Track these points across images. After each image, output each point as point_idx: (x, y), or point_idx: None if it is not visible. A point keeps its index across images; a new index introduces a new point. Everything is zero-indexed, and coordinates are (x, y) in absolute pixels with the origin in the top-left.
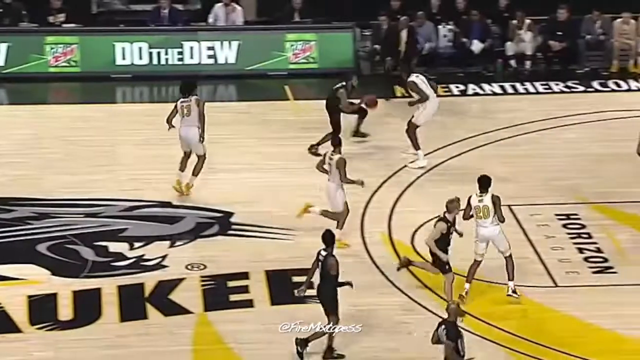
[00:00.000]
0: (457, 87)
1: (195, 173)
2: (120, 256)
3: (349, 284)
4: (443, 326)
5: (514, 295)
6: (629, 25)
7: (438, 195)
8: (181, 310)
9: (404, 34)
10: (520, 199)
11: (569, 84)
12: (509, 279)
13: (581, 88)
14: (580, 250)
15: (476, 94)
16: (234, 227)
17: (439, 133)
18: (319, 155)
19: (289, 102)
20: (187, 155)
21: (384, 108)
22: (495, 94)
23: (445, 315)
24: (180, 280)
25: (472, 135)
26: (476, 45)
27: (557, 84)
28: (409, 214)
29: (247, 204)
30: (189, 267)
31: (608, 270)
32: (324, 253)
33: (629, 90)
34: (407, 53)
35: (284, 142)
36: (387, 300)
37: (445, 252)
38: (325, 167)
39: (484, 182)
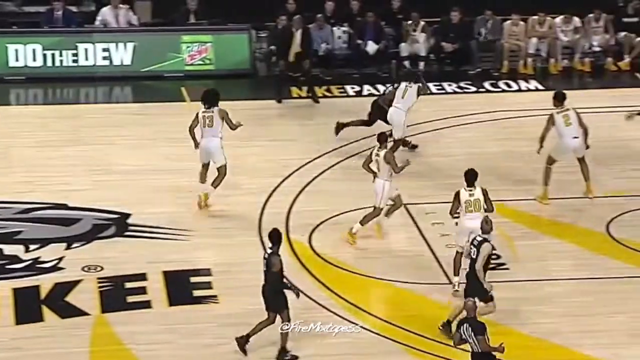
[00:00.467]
0: (353, 88)
1: (215, 185)
2: (16, 259)
3: (296, 292)
4: (466, 324)
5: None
6: (518, 27)
7: (336, 194)
8: (78, 312)
9: (298, 35)
10: (416, 198)
11: (462, 84)
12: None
13: (473, 88)
14: None
15: (372, 95)
16: (131, 228)
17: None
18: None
19: (185, 103)
20: (205, 167)
21: (278, 109)
22: None
23: None
24: (77, 282)
25: (369, 135)
26: (371, 47)
27: (450, 85)
28: (307, 213)
29: (144, 205)
30: (86, 269)
31: (501, 267)
32: (268, 251)
33: (519, 90)
34: (301, 54)
35: (180, 143)
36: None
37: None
38: (372, 165)
39: (471, 176)
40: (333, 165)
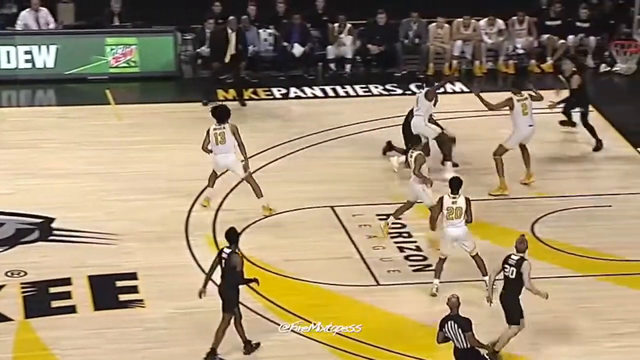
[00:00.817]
0: (279, 90)
1: (258, 194)
2: None
3: (256, 280)
4: (451, 322)
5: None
6: (443, 29)
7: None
8: (1, 318)
9: (233, 37)
10: (343, 200)
11: (388, 86)
12: (483, 275)
13: (399, 91)
14: (401, 249)
15: (298, 97)
16: (55, 232)
17: (262, 136)
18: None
19: (110, 106)
20: (215, 174)
21: (205, 111)
22: (316, 97)
23: None
24: (0, 287)
25: (295, 137)
26: (297, 49)
27: (376, 87)
28: (235, 215)
29: (68, 209)
30: (9, 273)
31: (427, 268)
32: (227, 251)
33: (444, 92)
34: (236, 56)
35: (105, 146)
36: (212, 303)
37: None
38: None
39: (456, 184)
40: (261, 168)
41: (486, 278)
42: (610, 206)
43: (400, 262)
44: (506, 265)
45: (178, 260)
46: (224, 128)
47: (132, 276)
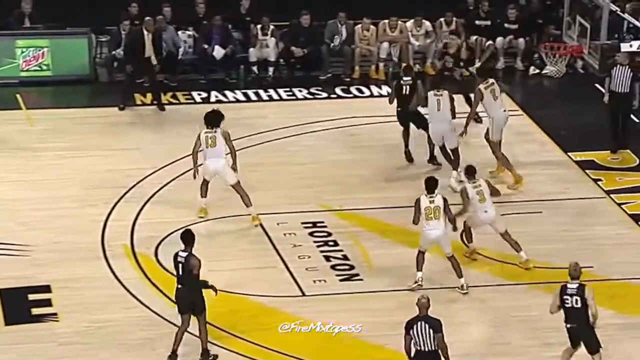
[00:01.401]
0: (200, 94)
1: (247, 203)
2: None
3: (214, 288)
4: (421, 322)
5: (463, 290)
6: (369, 31)
7: (182, 205)
8: None
9: (149, 39)
10: (266, 208)
11: (313, 90)
12: (460, 277)
13: (324, 94)
14: (327, 259)
15: (219, 102)
16: None
17: (182, 142)
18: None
19: (21, 111)
20: (207, 183)
21: (121, 116)
22: (238, 101)
23: None
24: None
25: None
26: (218, 52)
27: (300, 91)
28: (153, 225)
29: None
30: None
31: (354, 278)
32: (183, 254)
33: (370, 96)
34: (151, 58)
35: (16, 153)
36: (130, 315)
37: None
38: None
39: (432, 184)
40: (179, 176)
41: (461, 280)
42: (540, 212)
43: (326, 272)
44: (566, 297)
45: (94, 272)
46: (215, 132)
47: (46, 289)
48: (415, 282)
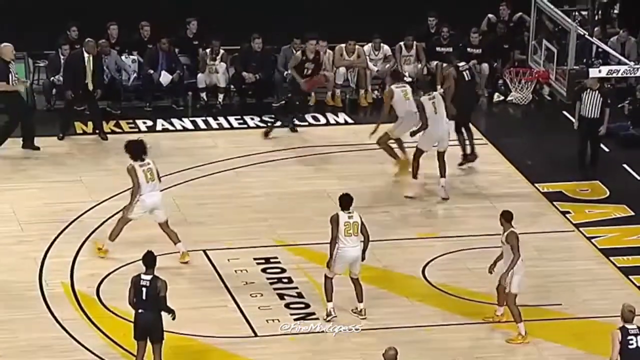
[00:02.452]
0: (145, 122)
1: (175, 240)
2: None
3: (173, 313)
4: None
5: (361, 315)
6: (325, 55)
7: (125, 241)
8: None
9: (90, 62)
10: (216, 243)
11: (265, 117)
12: (360, 301)
13: (278, 123)
14: (281, 297)
15: (166, 130)
16: None
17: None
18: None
19: None
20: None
21: (60, 146)
22: (186, 129)
23: None
24: None
25: (163, 174)
26: (164, 77)
27: (252, 118)
28: (95, 262)
29: None
30: None
31: (310, 317)
32: (146, 277)
33: (327, 124)
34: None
35: None
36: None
37: None
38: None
39: (348, 200)
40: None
41: (361, 305)
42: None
43: (280, 310)
44: (630, 337)
45: (31, 313)
46: (149, 163)
47: None
48: (328, 315)
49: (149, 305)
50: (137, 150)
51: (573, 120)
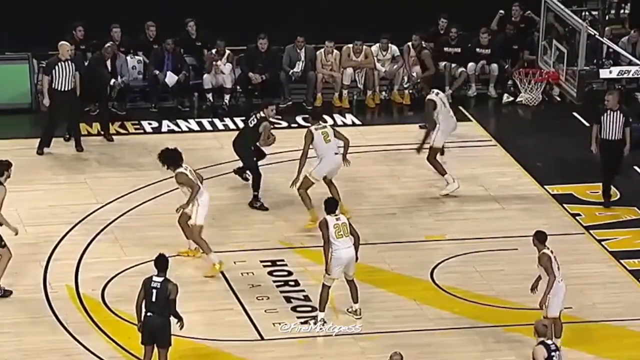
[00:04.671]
0: (150, 124)
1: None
2: None
3: (181, 321)
4: None
5: (356, 315)
6: (333, 55)
7: (132, 243)
8: None
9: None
10: (223, 246)
11: (272, 119)
12: (355, 302)
13: (284, 124)
14: (288, 300)
15: (172, 132)
16: None
17: (132, 175)
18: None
19: None
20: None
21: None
22: (192, 131)
23: None
24: None
25: (169, 176)
26: (170, 78)
27: None
28: (100, 264)
29: None
30: None
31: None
32: (158, 279)
33: (334, 125)
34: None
35: None
36: None
37: None
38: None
39: (333, 204)
40: (128, 211)
41: (356, 305)
42: (516, 249)
43: (286, 314)
44: (552, 353)
45: (35, 316)
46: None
47: None
48: (317, 323)
49: (158, 309)
50: (174, 158)
51: (592, 142)
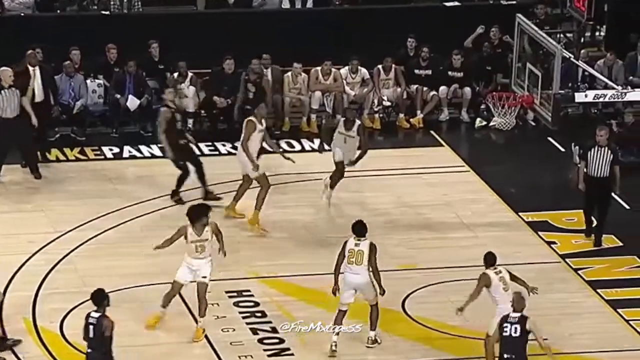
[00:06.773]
0: (111, 149)
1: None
2: None
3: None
4: None
5: (375, 345)
6: (301, 77)
7: (91, 273)
8: None
9: (37, 76)
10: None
11: (237, 144)
12: (371, 329)
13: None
14: (254, 331)
15: (133, 157)
16: None
17: (91, 202)
18: None
19: None
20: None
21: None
22: (154, 156)
23: None
24: None
25: (131, 203)
26: (132, 102)
27: (224, 145)
28: (58, 296)
29: None
30: None
31: (285, 352)
32: (95, 315)
33: (302, 150)
34: (43, 103)
35: None
36: None
37: None
38: None
39: (361, 228)
40: (88, 240)
41: (372, 333)
42: None
43: (253, 346)
44: (506, 324)
45: None
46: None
47: None
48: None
49: (96, 344)
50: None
51: (577, 179)
